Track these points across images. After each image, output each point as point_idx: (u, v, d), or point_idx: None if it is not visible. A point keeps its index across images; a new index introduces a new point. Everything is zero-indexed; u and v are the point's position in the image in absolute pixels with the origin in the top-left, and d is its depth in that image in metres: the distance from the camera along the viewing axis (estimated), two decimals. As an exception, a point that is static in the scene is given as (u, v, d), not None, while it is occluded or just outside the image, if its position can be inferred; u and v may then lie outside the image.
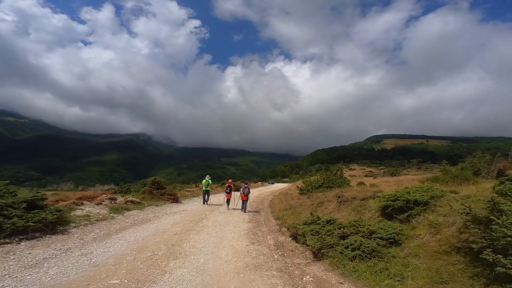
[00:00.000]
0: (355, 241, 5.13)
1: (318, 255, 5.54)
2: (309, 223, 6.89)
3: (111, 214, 7.95)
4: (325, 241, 5.56)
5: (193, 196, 16.91)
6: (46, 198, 6.48)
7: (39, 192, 6.57)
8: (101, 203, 9.25)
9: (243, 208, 11.94)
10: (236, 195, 13.11)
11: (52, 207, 6.20)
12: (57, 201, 9.19)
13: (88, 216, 7.32)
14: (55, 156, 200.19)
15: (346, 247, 5.16)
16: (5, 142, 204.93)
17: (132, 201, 10.15)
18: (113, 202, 9.60)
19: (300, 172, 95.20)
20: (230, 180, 14.40)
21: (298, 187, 18.79)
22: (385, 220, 6.22)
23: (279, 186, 42.83)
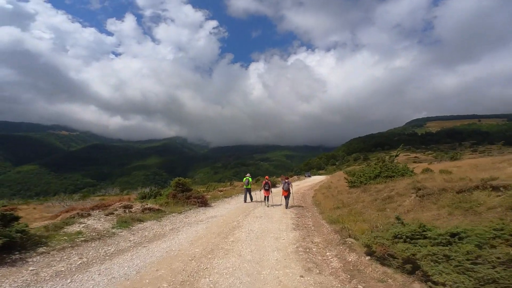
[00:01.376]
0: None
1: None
2: (407, 237, 4.12)
3: (114, 229, 6.13)
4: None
5: (226, 197, 14.95)
6: (13, 213, 4.78)
7: (4, 206, 4.95)
8: (113, 213, 7.58)
9: (286, 205, 11.12)
10: (273, 192, 12.56)
11: (19, 225, 4.49)
12: (66, 211, 7.75)
13: (80, 233, 5.55)
14: (105, 164, 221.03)
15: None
16: (61, 154, 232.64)
17: (150, 209, 8.39)
18: (127, 211, 7.90)
19: (337, 163, 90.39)
20: (267, 177, 13.21)
21: (346, 179, 15.72)
22: None
23: (316, 179, 39.36)
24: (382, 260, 4.36)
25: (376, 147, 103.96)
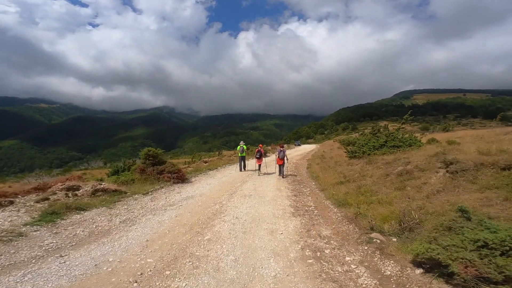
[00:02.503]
0: None
1: None
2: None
3: (27, 227, 4.08)
4: None
5: (210, 169, 13.04)
6: None
7: None
8: (48, 199, 5.51)
9: (281, 173, 10.71)
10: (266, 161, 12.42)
11: None
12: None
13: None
14: (90, 136, 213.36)
15: None
16: (43, 127, 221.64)
17: (104, 190, 6.35)
18: (70, 195, 5.85)
19: (325, 132, 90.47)
20: (260, 145, 13.26)
21: (346, 150, 14.07)
22: None
23: (306, 148, 38.02)
24: (449, 277, 2.62)
25: (365, 117, 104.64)
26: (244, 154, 12.53)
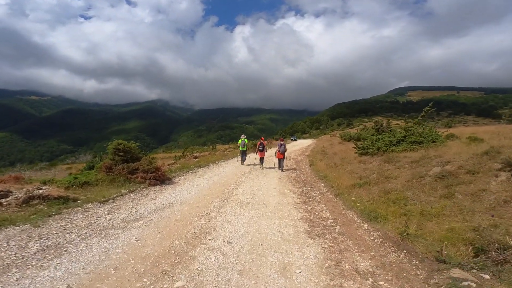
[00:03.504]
0: None
1: None
2: None
3: None
4: None
5: (200, 167, 11.19)
6: None
7: None
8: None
9: (281, 167, 10.54)
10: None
11: None
12: None
13: None
14: (81, 129, 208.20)
15: None
16: (34, 120, 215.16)
17: (44, 197, 4.54)
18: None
19: (321, 127, 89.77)
20: (262, 138, 12.44)
21: (356, 145, 12.40)
22: None
23: (303, 142, 35.97)
24: None
25: (360, 113, 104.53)
26: (245, 148, 12.33)
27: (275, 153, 11.21)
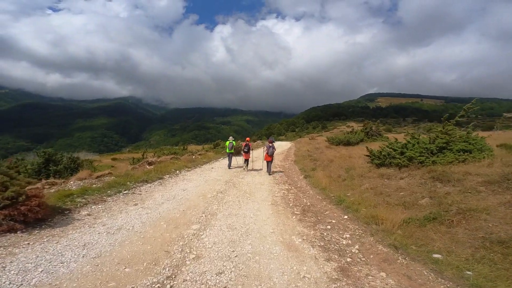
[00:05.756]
0: None
1: None
2: None
3: None
4: None
5: (148, 181, 7.36)
6: None
7: None
8: None
9: (268, 170, 10.25)
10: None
11: None
12: None
13: None
14: (41, 124, 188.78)
15: None
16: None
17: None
18: None
19: (296, 130, 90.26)
20: (248, 139, 11.92)
21: (369, 154, 9.22)
22: None
23: (282, 145, 32.19)
24: None
25: (334, 117, 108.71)
26: (232, 151, 11.78)
27: (263, 155, 10.80)
